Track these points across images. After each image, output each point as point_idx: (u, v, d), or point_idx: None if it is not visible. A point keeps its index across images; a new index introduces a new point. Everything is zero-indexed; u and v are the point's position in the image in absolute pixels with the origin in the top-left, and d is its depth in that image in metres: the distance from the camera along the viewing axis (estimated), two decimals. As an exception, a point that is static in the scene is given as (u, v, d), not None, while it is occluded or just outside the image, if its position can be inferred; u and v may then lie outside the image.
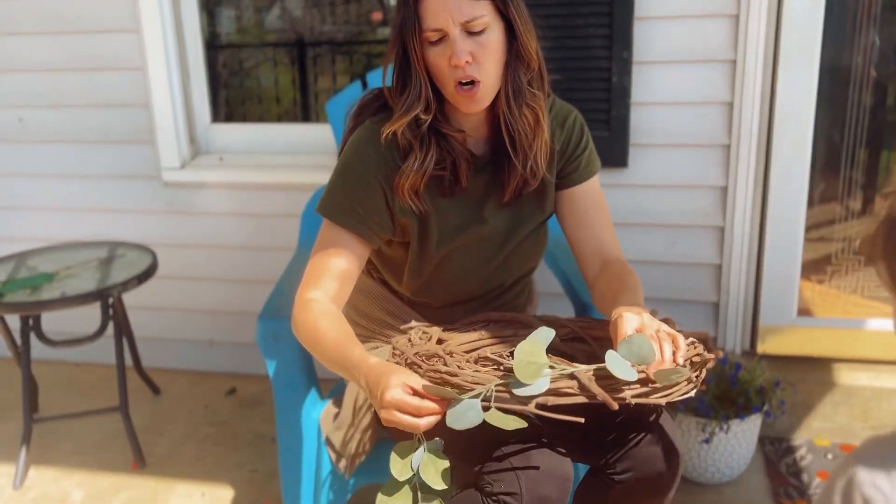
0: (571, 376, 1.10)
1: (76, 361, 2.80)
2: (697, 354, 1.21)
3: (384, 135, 1.32)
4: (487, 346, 1.38)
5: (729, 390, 2.03)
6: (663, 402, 1.11)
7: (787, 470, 2.12)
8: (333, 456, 1.56)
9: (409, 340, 1.35)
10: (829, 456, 2.17)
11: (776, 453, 2.19)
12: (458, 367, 1.17)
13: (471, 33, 1.25)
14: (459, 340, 1.38)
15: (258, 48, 3.22)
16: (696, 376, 1.15)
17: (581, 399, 1.08)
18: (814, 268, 2.33)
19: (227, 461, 2.27)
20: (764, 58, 2.13)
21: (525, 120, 1.33)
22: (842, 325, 2.31)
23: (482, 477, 1.19)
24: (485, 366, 1.17)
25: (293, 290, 1.76)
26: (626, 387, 1.10)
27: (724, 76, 2.16)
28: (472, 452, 1.18)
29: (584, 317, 1.55)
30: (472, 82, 1.27)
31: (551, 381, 1.09)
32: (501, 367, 1.16)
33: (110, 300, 2.27)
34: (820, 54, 2.12)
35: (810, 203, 2.26)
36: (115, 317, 2.28)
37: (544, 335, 1.12)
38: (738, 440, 2.02)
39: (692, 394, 1.13)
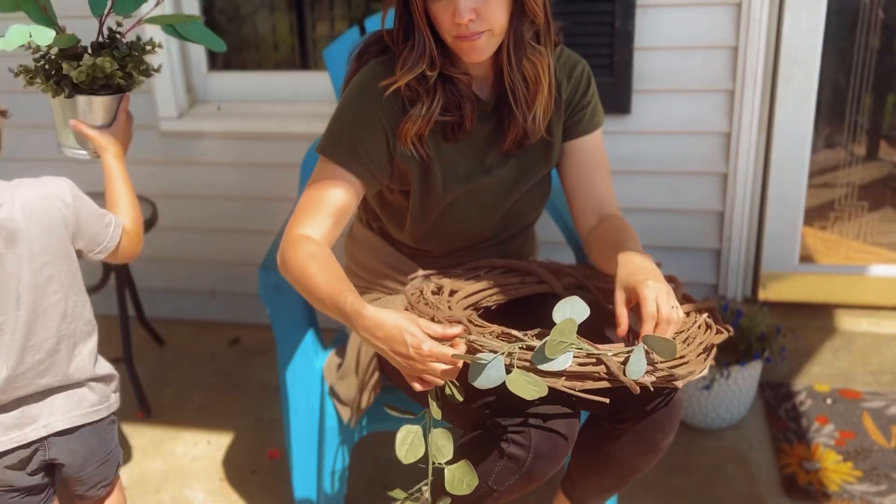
0: (598, 360, 1.11)
1: (80, 312, 2.81)
2: (708, 329, 1.27)
3: (386, 86, 1.29)
4: (495, 294, 1.38)
5: (730, 337, 2.04)
6: (681, 384, 1.16)
7: (786, 415, 2.15)
8: (338, 406, 1.58)
9: (422, 294, 1.34)
10: (829, 401, 2.19)
11: (776, 398, 2.21)
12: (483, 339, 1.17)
13: None
14: (468, 290, 1.38)
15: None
16: (707, 355, 1.20)
17: (606, 384, 1.11)
18: (816, 214, 2.32)
19: (231, 409, 2.29)
20: (770, 1, 2.08)
21: (526, 74, 1.30)
22: (843, 271, 2.31)
23: (490, 418, 1.21)
24: (508, 341, 1.16)
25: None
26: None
27: (728, 19, 2.12)
28: (480, 393, 1.19)
29: (588, 265, 1.54)
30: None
31: (578, 363, 1.10)
32: (524, 344, 1.15)
33: (111, 251, 2.26)
34: (828, -4, 2.07)
35: (814, 149, 2.23)
36: (117, 268, 2.28)
37: (579, 313, 1.12)
38: (739, 386, 2.04)
39: (705, 372, 1.19)
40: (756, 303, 2.32)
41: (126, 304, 2.28)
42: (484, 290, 1.40)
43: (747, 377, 2.04)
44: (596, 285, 1.42)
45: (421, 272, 1.45)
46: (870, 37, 2.16)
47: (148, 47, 1.41)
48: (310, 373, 1.63)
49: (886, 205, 2.32)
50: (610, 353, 1.11)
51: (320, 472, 1.66)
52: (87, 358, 1.28)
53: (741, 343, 2.03)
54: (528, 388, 1.08)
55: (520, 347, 1.12)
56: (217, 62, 2.69)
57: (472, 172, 1.39)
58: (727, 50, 2.15)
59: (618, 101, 2.19)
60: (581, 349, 1.11)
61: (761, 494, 1.89)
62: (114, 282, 2.28)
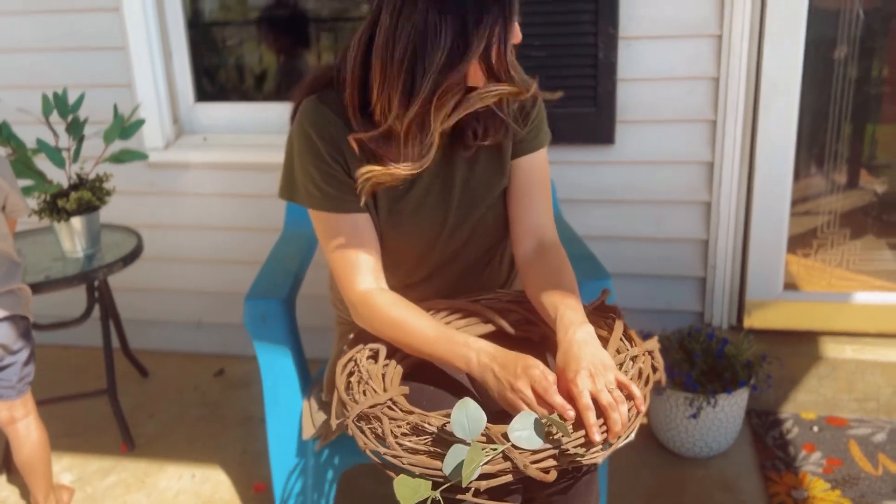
0: (505, 457, 1.04)
1: (63, 344, 2.79)
2: (640, 379, 1.19)
3: (323, 122, 1.28)
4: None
5: (716, 365, 2.05)
6: (600, 459, 1.09)
7: (773, 443, 2.14)
8: (307, 425, 1.57)
9: (357, 365, 1.29)
10: (815, 429, 2.19)
11: (763, 426, 2.21)
12: (397, 440, 1.10)
13: None
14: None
15: (242, 26, 3.18)
16: (633, 420, 1.11)
17: (511, 477, 1.04)
18: (800, 242, 2.34)
19: (216, 442, 2.27)
20: (750, 32, 2.12)
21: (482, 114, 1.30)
22: (827, 298, 2.33)
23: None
24: (422, 438, 1.10)
25: (279, 271, 1.76)
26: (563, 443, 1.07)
27: (709, 51, 2.15)
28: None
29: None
30: None
31: (485, 464, 1.03)
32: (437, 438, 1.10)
33: (96, 283, 2.26)
34: (805, 28, 2.11)
35: (796, 177, 2.26)
36: (101, 299, 2.27)
37: (475, 423, 1.05)
38: (726, 414, 2.04)
39: (632, 438, 1.11)
40: (741, 330, 2.33)
41: (110, 335, 2.26)
42: None
43: (734, 405, 2.05)
44: (545, 320, 1.36)
45: (352, 334, 1.40)
46: (848, 67, 2.20)
47: (105, 180, 2.20)
48: (294, 403, 1.62)
49: (868, 232, 2.34)
50: (517, 449, 1.04)
51: (305, 505, 1.64)
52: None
53: (727, 371, 2.04)
54: (410, 494, 1.02)
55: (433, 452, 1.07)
56: (204, 94, 2.70)
57: (412, 183, 1.35)
58: (709, 81, 2.18)
59: (601, 131, 2.21)
60: (485, 448, 1.04)
61: (750, 523, 1.88)
62: (98, 313, 2.27)
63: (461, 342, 1.22)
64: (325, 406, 1.57)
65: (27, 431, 1.81)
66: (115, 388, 2.25)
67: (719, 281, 2.33)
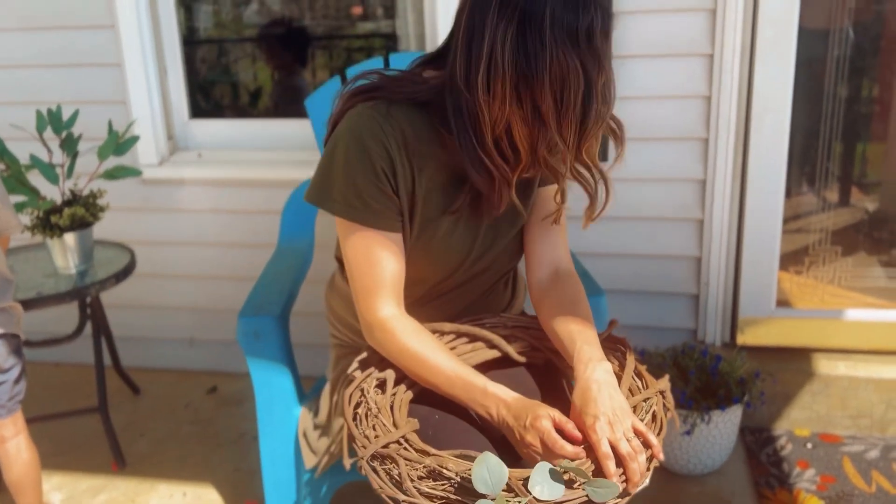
0: None
1: (54, 361, 2.77)
2: (653, 423, 1.19)
3: (378, 130, 1.23)
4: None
5: (710, 382, 2.05)
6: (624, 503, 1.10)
7: (767, 460, 2.14)
8: (305, 452, 1.56)
9: (364, 395, 1.27)
10: (809, 445, 2.19)
11: (757, 443, 2.21)
12: (414, 484, 1.09)
13: None
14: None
15: (237, 43, 3.19)
16: (649, 463, 1.13)
17: None
18: (792, 259, 2.36)
19: (209, 460, 2.25)
20: (741, 51, 2.14)
21: None
22: (819, 315, 2.33)
23: None
24: (440, 483, 1.09)
25: (273, 287, 1.76)
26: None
27: (701, 70, 2.17)
28: None
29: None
30: None
31: None
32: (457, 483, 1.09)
33: (88, 299, 2.25)
34: (796, 48, 2.13)
35: (788, 195, 2.28)
36: (94, 316, 2.26)
37: (497, 478, 1.04)
38: (720, 431, 2.04)
39: (647, 483, 1.13)
40: (735, 347, 2.34)
41: (102, 352, 2.25)
42: None
43: (728, 422, 2.05)
44: (549, 346, 1.37)
45: (359, 358, 1.37)
46: (838, 86, 2.23)
47: (98, 196, 2.20)
48: (288, 421, 1.61)
49: (859, 250, 2.36)
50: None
51: (298, 524, 1.63)
52: None
53: (721, 388, 2.04)
54: None
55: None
56: (199, 110, 2.71)
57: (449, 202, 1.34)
58: (700, 99, 2.20)
59: (595, 148, 2.22)
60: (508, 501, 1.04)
61: (744, 541, 1.87)
62: (90, 330, 2.26)
63: (479, 388, 1.20)
64: (320, 429, 1.56)
65: (17, 451, 1.80)
66: (106, 406, 2.24)
67: (712, 298, 2.34)
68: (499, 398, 1.18)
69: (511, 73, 1.09)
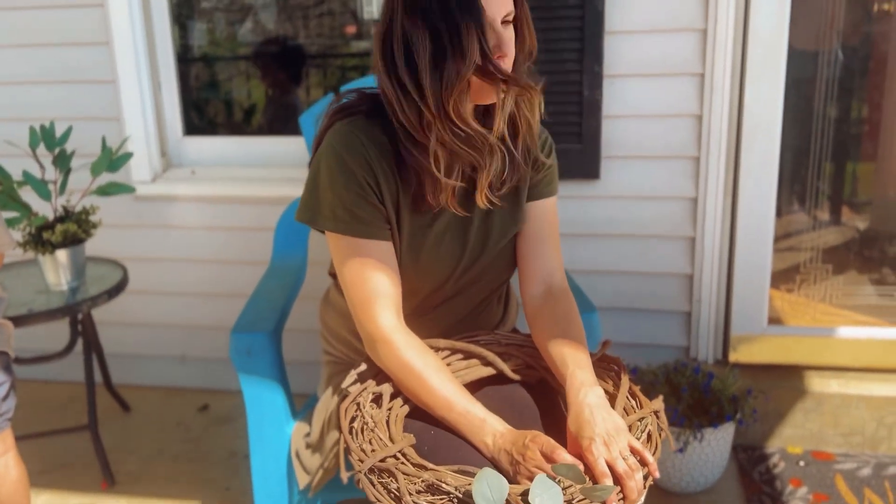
0: None
1: (44, 379, 2.75)
2: (648, 442, 1.20)
3: (358, 143, 1.27)
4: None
5: (702, 399, 2.05)
6: None
7: (760, 478, 2.14)
8: (299, 471, 1.55)
9: (360, 410, 1.27)
10: (802, 463, 2.19)
11: (749, 461, 2.21)
12: (413, 498, 1.09)
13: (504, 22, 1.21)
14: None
15: (231, 61, 3.20)
16: (645, 482, 1.13)
17: None
18: (783, 277, 2.37)
19: (199, 479, 2.24)
20: (732, 71, 2.16)
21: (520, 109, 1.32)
22: (811, 333, 2.34)
23: None
24: (439, 497, 1.10)
25: (266, 304, 1.75)
26: None
27: (693, 89, 2.19)
28: None
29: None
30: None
31: None
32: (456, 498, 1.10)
33: (79, 316, 2.24)
34: (786, 68, 2.16)
35: (779, 213, 2.29)
36: (85, 333, 2.25)
37: (498, 493, 1.05)
38: (712, 449, 2.04)
39: (642, 501, 1.14)
40: (727, 365, 2.34)
41: (92, 369, 2.24)
42: None
43: (720, 439, 2.04)
44: (543, 364, 1.37)
45: (356, 370, 1.36)
46: (828, 106, 2.25)
47: (91, 213, 2.21)
48: (280, 438, 1.60)
49: (850, 268, 2.37)
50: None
51: (290, 542, 1.62)
52: None
53: (713, 405, 2.04)
54: None
55: None
56: (192, 128, 2.72)
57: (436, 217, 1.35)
58: (692, 118, 2.22)
59: (587, 166, 2.23)
60: None
61: (738, 560, 1.87)
62: (80, 347, 2.24)
63: (479, 419, 1.20)
64: (312, 447, 1.55)
65: (6, 469, 1.78)
66: (96, 424, 2.22)
67: (704, 315, 2.34)
68: (496, 430, 1.19)
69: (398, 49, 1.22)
